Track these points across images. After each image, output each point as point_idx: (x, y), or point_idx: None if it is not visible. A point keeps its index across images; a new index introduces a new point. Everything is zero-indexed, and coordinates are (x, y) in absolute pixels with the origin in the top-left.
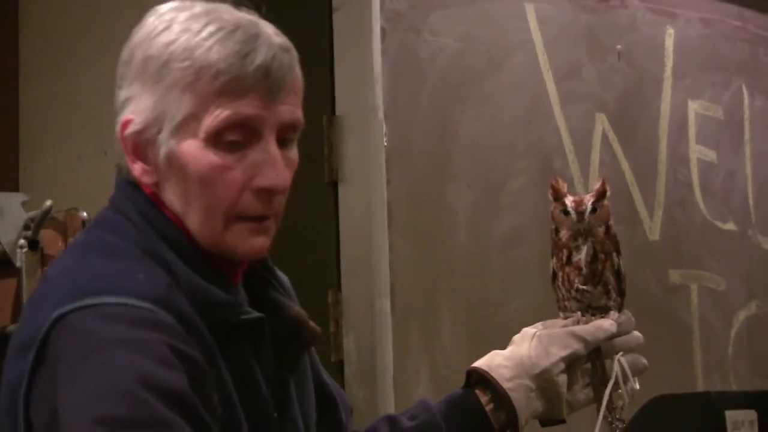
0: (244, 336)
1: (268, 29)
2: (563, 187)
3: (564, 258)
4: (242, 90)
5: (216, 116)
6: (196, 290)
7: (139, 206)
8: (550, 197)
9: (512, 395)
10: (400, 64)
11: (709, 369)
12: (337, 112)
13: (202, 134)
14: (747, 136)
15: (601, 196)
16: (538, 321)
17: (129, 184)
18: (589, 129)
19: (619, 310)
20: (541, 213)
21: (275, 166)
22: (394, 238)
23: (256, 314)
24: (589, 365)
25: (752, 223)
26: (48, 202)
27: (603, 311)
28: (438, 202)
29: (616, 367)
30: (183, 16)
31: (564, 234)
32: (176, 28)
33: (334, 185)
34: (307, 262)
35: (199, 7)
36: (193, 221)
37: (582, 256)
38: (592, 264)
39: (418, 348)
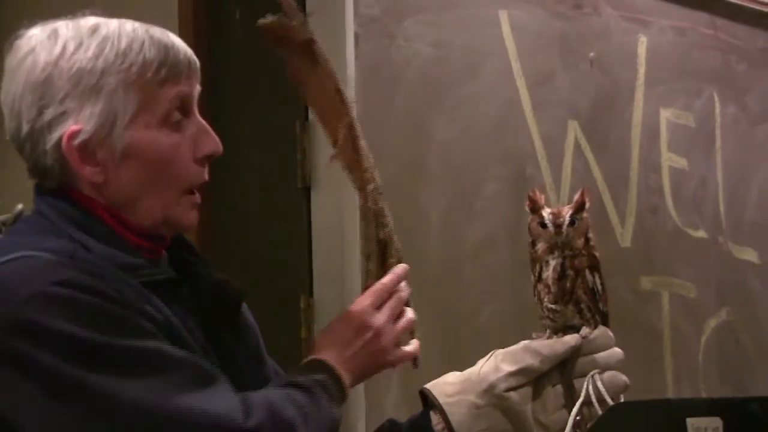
0: (164, 296)
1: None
2: (541, 198)
3: (537, 274)
4: (177, 75)
5: (164, 100)
6: (107, 257)
7: (53, 203)
8: (528, 209)
9: (449, 410)
10: (374, 69)
11: (679, 376)
12: (310, 117)
13: (154, 120)
14: (718, 143)
15: (580, 207)
16: (509, 328)
17: (47, 193)
18: (562, 136)
19: (595, 327)
20: (513, 219)
21: (209, 133)
22: None
23: (171, 274)
24: (560, 386)
25: (723, 230)
26: (19, 206)
27: (578, 332)
28: (411, 207)
29: (585, 384)
30: (84, 30)
31: (541, 247)
32: (92, 42)
33: (307, 191)
34: (279, 267)
35: (91, 22)
36: (147, 202)
37: (549, 272)
38: (560, 281)
39: None
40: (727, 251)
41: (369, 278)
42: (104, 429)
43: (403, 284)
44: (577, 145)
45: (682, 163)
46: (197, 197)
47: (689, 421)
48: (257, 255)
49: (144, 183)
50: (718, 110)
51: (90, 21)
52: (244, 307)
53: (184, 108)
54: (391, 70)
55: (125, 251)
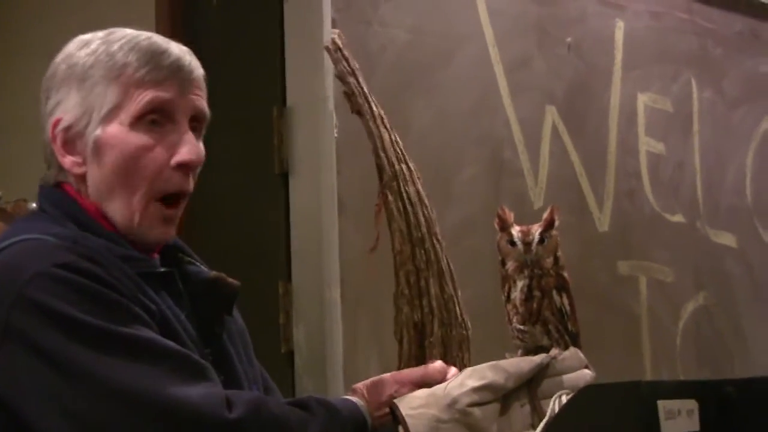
0: (158, 289)
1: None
2: (510, 216)
3: (506, 294)
4: (160, 80)
5: (139, 101)
6: (104, 247)
7: (53, 199)
8: (497, 227)
9: (410, 422)
10: (351, 55)
11: (657, 360)
12: (288, 103)
13: (127, 119)
14: (695, 128)
15: (549, 225)
16: (488, 312)
17: (49, 188)
18: (539, 120)
19: (565, 348)
20: (491, 203)
21: (190, 143)
22: (345, 228)
23: (165, 268)
24: (528, 406)
25: (700, 215)
26: None
27: (547, 352)
28: None
29: (551, 405)
30: (100, 34)
31: (510, 266)
32: (96, 42)
33: (285, 176)
34: (257, 253)
35: (114, 29)
36: (115, 203)
37: (517, 293)
38: (527, 302)
39: (367, 338)
40: (705, 235)
41: (403, 361)
42: (90, 409)
43: (452, 372)
44: (555, 130)
45: (659, 147)
46: (170, 211)
47: (660, 403)
48: (235, 241)
49: (112, 180)
50: (695, 94)
51: (115, 29)
52: (235, 310)
53: (165, 113)
54: (367, 55)
55: (117, 243)
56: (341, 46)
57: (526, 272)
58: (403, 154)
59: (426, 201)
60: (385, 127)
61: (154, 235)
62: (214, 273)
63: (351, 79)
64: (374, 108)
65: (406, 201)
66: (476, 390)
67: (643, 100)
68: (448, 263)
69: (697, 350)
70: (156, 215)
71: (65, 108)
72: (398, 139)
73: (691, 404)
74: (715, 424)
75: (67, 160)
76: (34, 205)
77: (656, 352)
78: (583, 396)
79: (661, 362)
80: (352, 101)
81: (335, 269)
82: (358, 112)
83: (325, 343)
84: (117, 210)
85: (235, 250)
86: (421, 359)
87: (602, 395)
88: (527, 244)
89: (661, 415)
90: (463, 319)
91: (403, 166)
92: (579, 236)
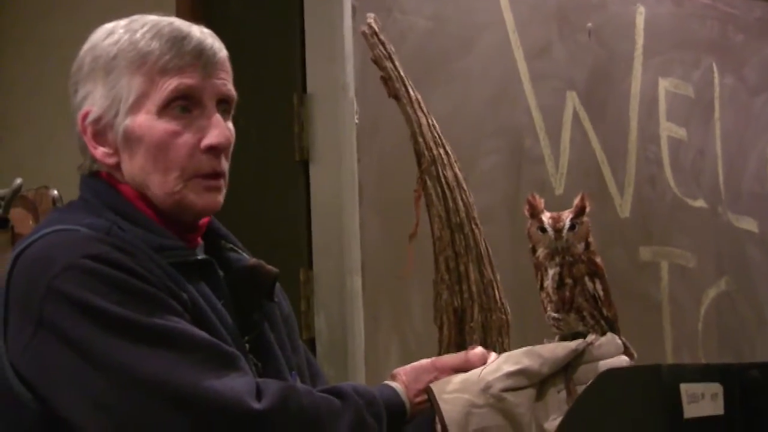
0: (198, 277)
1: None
2: (540, 203)
3: (539, 282)
4: (182, 66)
5: (164, 89)
6: (139, 237)
7: (94, 188)
8: (527, 214)
9: (443, 406)
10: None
11: (678, 346)
12: (308, 90)
13: (153, 108)
14: (717, 114)
15: (580, 212)
16: (507, 302)
17: (88, 177)
18: (560, 107)
19: (602, 334)
20: (511, 192)
21: (218, 126)
22: (365, 216)
23: (203, 257)
24: (565, 392)
25: (722, 200)
26: (18, 180)
27: (584, 338)
28: (408, 180)
29: None
30: (123, 22)
31: (541, 253)
32: (119, 31)
33: (305, 163)
34: (278, 240)
35: (136, 16)
36: (155, 184)
37: (549, 281)
38: (559, 290)
39: (388, 326)
40: (726, 221)
41: (443, 347)
42: (116, 399)
43: (492, 358)
44: (576, 117)
45: (680, 133)
46: (212, 182)
47: (683, 386)
48: (255, 229)
49: (146, 167)
50: (716, 80)
51: (138, 16)
52: (281, 296)
53: (191, 98)
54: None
55: (154, 233)
56: (377, 30)
57: (557, 259)
58: (440, 138)
59: (464, 185)
60: (423, 111)
61: (201, 204)
62: (253, 260)
63: (388, 64)
64: (411, 92)
65: (445, 186)
66: (510, 375)
67: (664, 85)
68: (486, 247)
69: (719, 336)
70: (198, 186)
71: (93, 100)
72: (435, 123)
73: (716, 388)
74: (739, 408)
75: (99, 152)
76: (55, 192)
77: (678, 338)
78: (604, 380)
79: (683, 348)
80: (389, 86)
81: (356, 256)
82: (395, 97)
83: (346, 331)
84: (159, 189)
85: (255, 238)
86: (461, 345)
87: (623, 379)
88: (558, 231)
89: (684, 398)
90: (502, 304)
91: (441, 151)
92: (600, 222)
